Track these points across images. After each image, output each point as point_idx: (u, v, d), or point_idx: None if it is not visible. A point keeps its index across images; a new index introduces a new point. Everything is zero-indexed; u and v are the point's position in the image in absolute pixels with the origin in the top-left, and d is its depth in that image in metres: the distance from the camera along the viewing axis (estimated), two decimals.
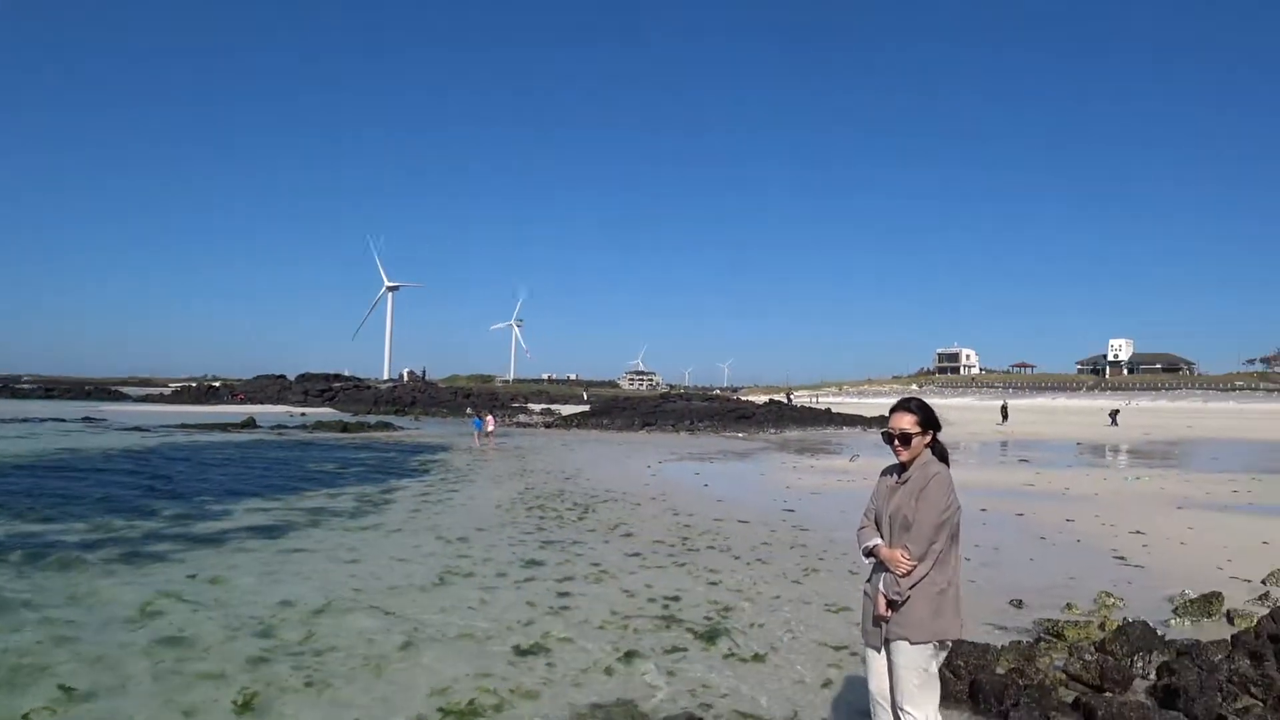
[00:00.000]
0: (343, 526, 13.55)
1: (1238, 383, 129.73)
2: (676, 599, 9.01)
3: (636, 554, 11.46)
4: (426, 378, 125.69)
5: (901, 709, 4.29)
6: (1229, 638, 7.07)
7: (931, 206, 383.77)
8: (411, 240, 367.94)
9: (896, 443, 4.45)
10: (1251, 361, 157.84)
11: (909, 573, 4.20)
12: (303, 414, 58.86)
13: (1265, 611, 8.36)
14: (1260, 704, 5.78)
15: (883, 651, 4.37)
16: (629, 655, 7.03)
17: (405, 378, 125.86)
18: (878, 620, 4.33)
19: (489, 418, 38.24)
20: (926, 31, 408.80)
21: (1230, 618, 8.26)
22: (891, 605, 4.24)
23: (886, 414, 4.65)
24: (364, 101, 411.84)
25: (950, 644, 4.44)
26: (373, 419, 51.96)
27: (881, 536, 4.40)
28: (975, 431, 45.74)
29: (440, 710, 5.84)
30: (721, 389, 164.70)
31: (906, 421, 4.43)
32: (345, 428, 42.45)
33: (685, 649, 7.26)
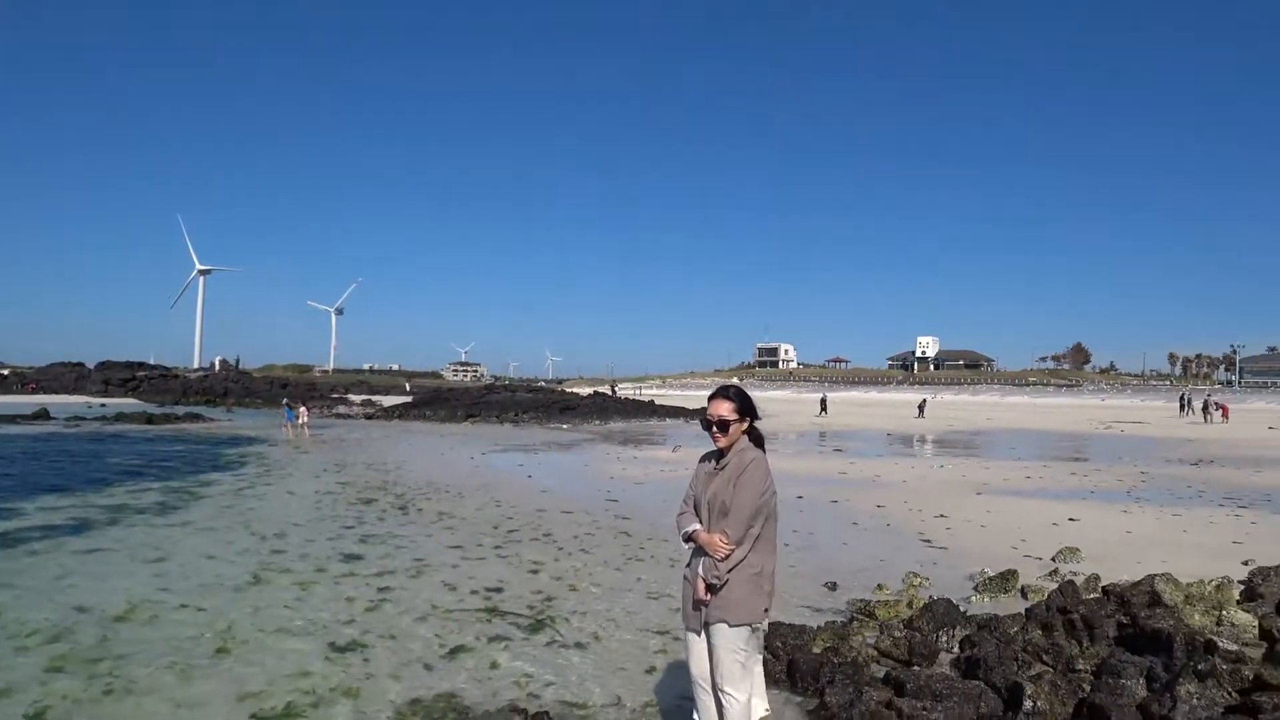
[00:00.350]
0: (147, 524, 12.70)
1: (1031, 378, 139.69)
2: (499, 590, 8.92)
3: (458, 546, 11.26)
4: (240, 367, 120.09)
5: (723, 690, 4.35)
6: (1023, 611, 7.50)
7: (753, 205, 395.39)
8: (227, 223, 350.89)
9: (715, 429, 4.49)
10: (1044, 359, 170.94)
11: (727, 556, 4.25)
12: (103, 405, 55.24)
13: (1054, 586, 8.94)
14: (1051, 670, 6.13)
15: (703, 635, 4.42)
16: (451, 648, 6.92)
17: (217, 367, 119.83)
18: (697, 604, 4.37)
19: (302, 408, 37.30)
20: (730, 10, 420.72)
21: (1024, 593, 8.79)
22: (710, 589, 4.29)
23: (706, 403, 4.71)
24: (171, 71, 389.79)
25: (767, 625, 4.51)
26: (181, 410, 49.19)
27: (700, 522, 4.43)
28: (794, 423, 47.31)
29: (253, 716, 5.57)
30: (546, 381, 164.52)
31: (725, 409, 4.47)
32: (151, 419, 40.05)
33: (508, 640, 7.20)
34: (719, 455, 4.54)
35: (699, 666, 4.47)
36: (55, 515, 13.29)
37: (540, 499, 15.83)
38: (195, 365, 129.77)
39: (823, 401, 61.22)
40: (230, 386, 76.26)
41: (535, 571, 9.78)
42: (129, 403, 61.06)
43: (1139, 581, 7.90)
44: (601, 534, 12.28)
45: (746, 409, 4.52)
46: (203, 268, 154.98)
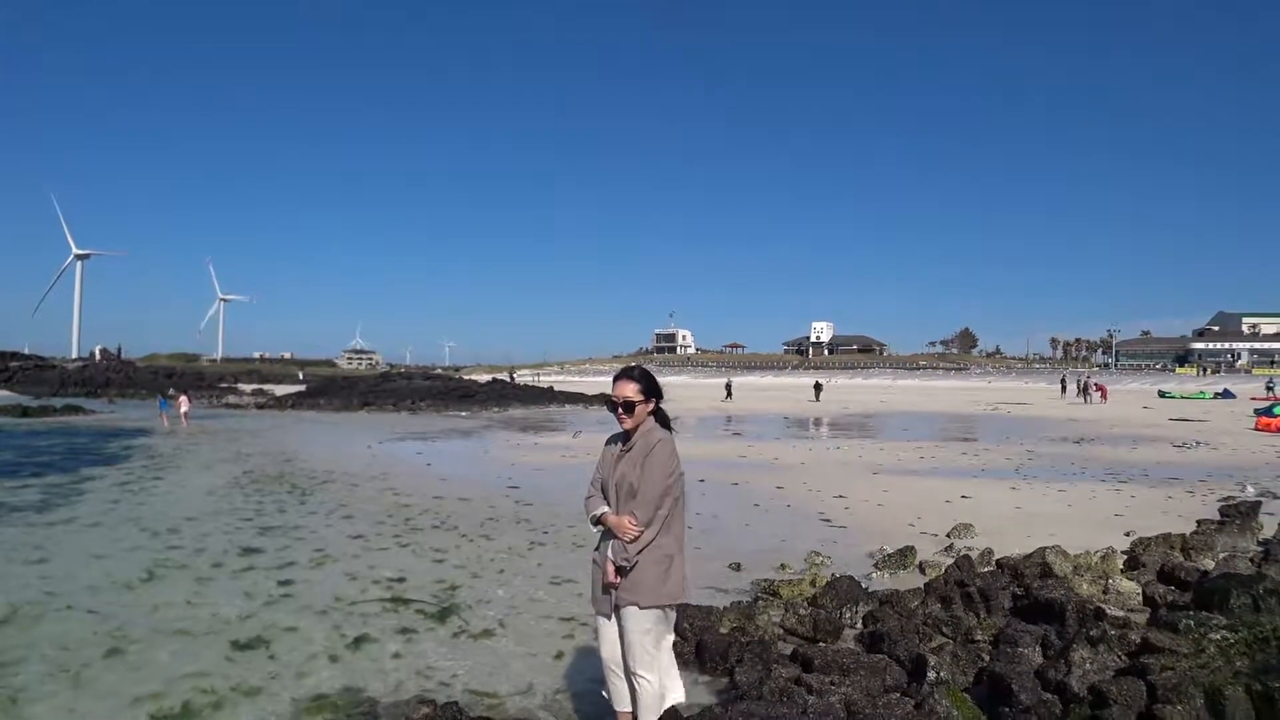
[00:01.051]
0: (25, 522, 12.04)
1: (921, 362, 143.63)
2: (402, 579, 8.79)
3: (359, 536, 11.07)
4: (122, 356, 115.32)
5: (635, 674, 4.33)
6: (922, 586, 7.68)
7: (645, 191, 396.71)
8: (105, 203, 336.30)
9: (620, 411, 4.43)
10: (933, 344, 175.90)
11: (636, 538, 4.22)
12: None
13: (950, 561, 9.18)
14: (951, 641, 6.28)
15: (613, 618, 4.39)
16: (355, 640, 6.79)
17: (98, 356, 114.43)
18: (607, 587, 4.34)
19: (182, 397, 36.09)
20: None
21: (922, 568, 9.01)
22: (620, 571, 4.25)
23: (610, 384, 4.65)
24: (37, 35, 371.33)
25: (677, 607, 4.52)
26: (59, 402, 46.87)
27: (608, 504, 4.39)
28: (693, 407, 47.69)
29: (151, 717, 5.35)
30: (444, 368, 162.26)
31: (630, 390, 4.41)
32: (25, 412, 38.08)
33: (414, 630, 7.10)
34: (625, 437, 4.49)
35: (610, 650, 4.43)
36: None
37: (440, 486, 15.62)
38: (74, 355, 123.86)
39: (728, 386, 61.89)
40: (112, 377, 73.10)
41: (438, 560, 9.66)
42: (2, 394, 58.00)
43: (1030, 554, 8.18)
44: (503, 520, 12.18)
45: (652, 390, 4.47)
46: (80, 252, 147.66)
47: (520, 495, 14.54)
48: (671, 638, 4.50)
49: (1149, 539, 9.77)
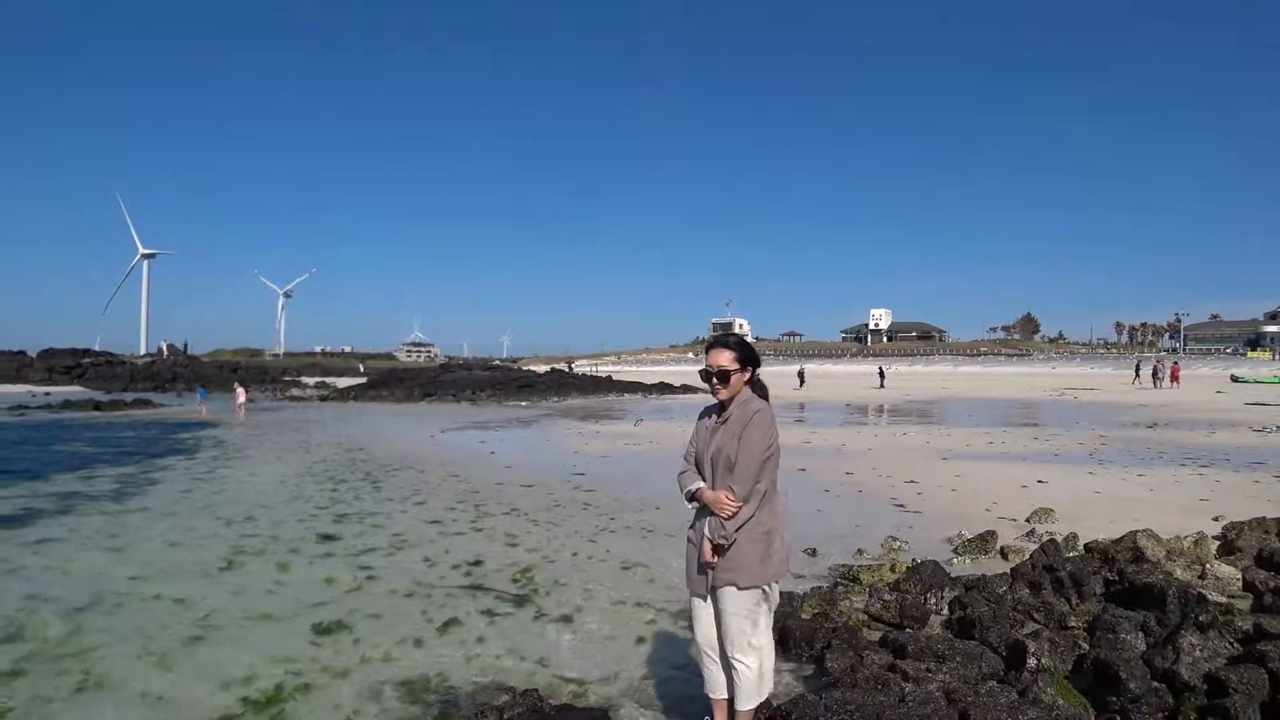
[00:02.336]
0: (101, 511, 12.20)
1: (982, 349, 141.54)
2: (479, 564, 8.82)
3: (434, 521, 11.14)
4: (188, 351, 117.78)
5: (734, 658, 4.16)
6: (1008, 571, 7.45)
7: (709, 183, 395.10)
8: (171, 205, 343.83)
9: (715, 381, 4.23)
10: (994, 329, 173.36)
11: (734, 515, 4.02)
12: (47, 393, 53.72)
13: (1033, 546, 8.94)
14: (1044, 627, 6.05)
15: (709, 600, 4.22)
16: (441, 625, 6.78)
17: (164, 352, 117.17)
18: (703, 567, 4.15)
19: (239, 389, 37.55)
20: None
21: (1004, 553, 8.76)
22: (718, 550, 4.06)
23: (704, 353, 4.40)
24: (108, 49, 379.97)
25: (779, 588, 4.34)
26: (129, 396, 47.95)
27: (704, 479, 4.19)
28: None
29: (244, 700, 5.36)
30: (501, 360, 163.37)
31: (724, 358, 4.21)
32: (98, 406, 39.06)
33: (495, 614, 7.07)
34: (720, 408, 4.28)
35: (706, 634, 4.27)
36: None
37: (506, 474, 15.62)
38: (142, 351, 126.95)
39: (800, 374, 61.16)
40: (179, 371, 74.66)
41: (511, 545, 9.66)
42: (74, 390, 59.58)
43: (1121, 538, 7.90)
44: (570, 506, 12.17)
45: (748, 358, 4.26)
46: (146, 251, 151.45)
47: (584, 482, 14.48)
48: (771, 620, 4.31)
49: (1241, 523, 9.42)
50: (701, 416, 4.45)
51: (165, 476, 15.94)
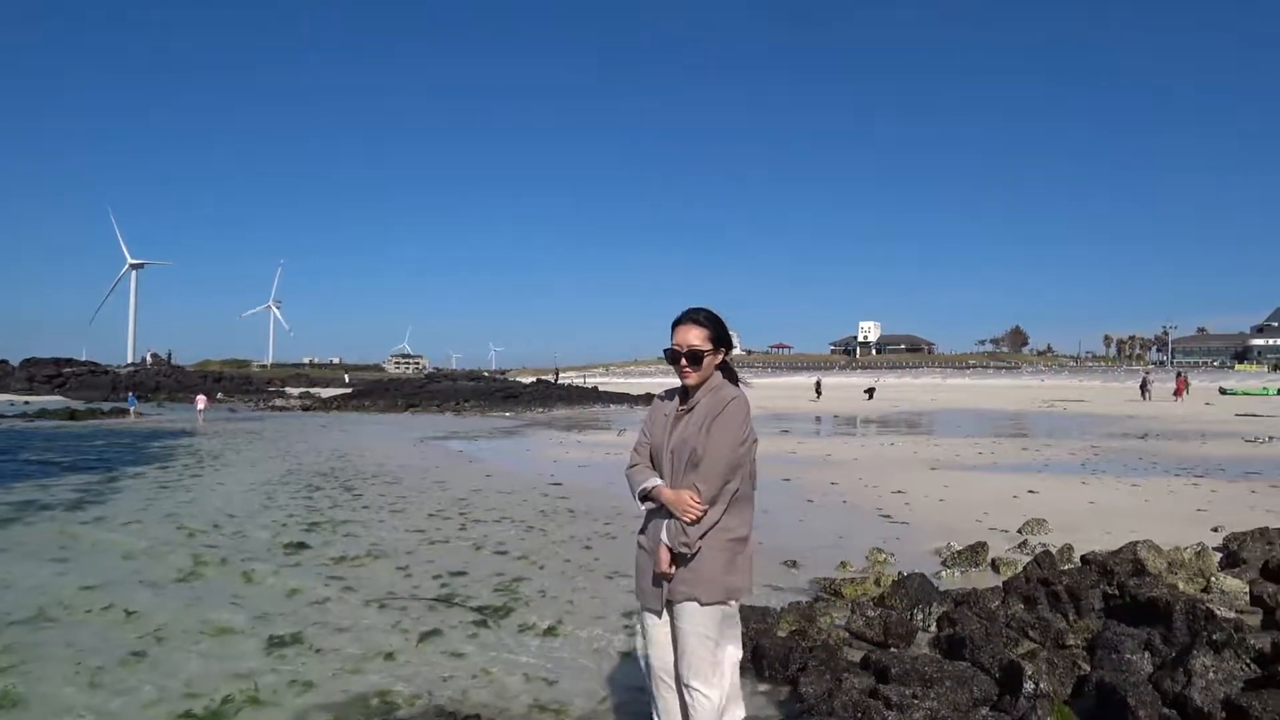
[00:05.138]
0: (54, 519, 11.61)
1: (971, 361, 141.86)
2: (458, 575, 8.35)
3: (410, 531, 10.72)
4: (173, 361, 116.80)
5: (690, 685, 3.54)
6: (1000, 585, 6.99)
7: (694, 196, 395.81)
8: (159, 216, 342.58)
9: (684, 362, 3.59)
10: (982, 343, 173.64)
11: (699, 519, 3.41)
12: (26, 402, 52.87)
13: (1025, 558, 8.50)
14: (1040, 646, 5.59)
15: (665, 616, 3.61)
16: (410, 639, 6.34)
17: (149, 361, 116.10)
18: (659, 578, 3.54)
19: (200, 397, 39.78)
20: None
21: (995, 566, 8.33)
22: (677, 559, 3.47)
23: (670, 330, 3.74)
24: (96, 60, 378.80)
25: (740, 604, 3.77)
26: (107, 405, 47.21)
27: (661, 475, 3.59)
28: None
29: (185, 714, 4.95)
30: (489, 372, 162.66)
31: (695, 336, 3.59)
32: (73, 414, 38.51)
33: (464, 627, 6.65)
34: (684, 394, 3.68)
35: (661, 656, 3.65)
36: None
37: (485, 483, 15.17)
38: (128, 361, 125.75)
39: (817, 385, 60.26)
40: (162, 381, 74.00)
41: (484, 555, 9.26)
42: (54, 400, 58.73)
43: (1119, 550, 7.45)
44: (549, 515, 11.75)
45: (721, 337, 3.65)
46: (134, 261, 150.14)
47: (564, 491, 14.01)
48: (738, 647, 3.68)
49: (1244, 534, 8.97)
50: (661, 399, 3.82)
51: (131, 485, 15.41)
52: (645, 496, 3.57)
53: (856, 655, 5.54)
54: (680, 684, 3.60)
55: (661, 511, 3.52)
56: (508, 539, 10.11)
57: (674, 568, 3.48)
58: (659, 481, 3.55)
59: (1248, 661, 4.59)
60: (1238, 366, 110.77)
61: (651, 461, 3.67)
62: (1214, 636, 4.58)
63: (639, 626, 3.78)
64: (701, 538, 3.43)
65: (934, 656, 5.09)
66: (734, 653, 3.64)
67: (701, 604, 3.47)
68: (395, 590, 7.71)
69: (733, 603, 3.60)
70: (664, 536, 3.46)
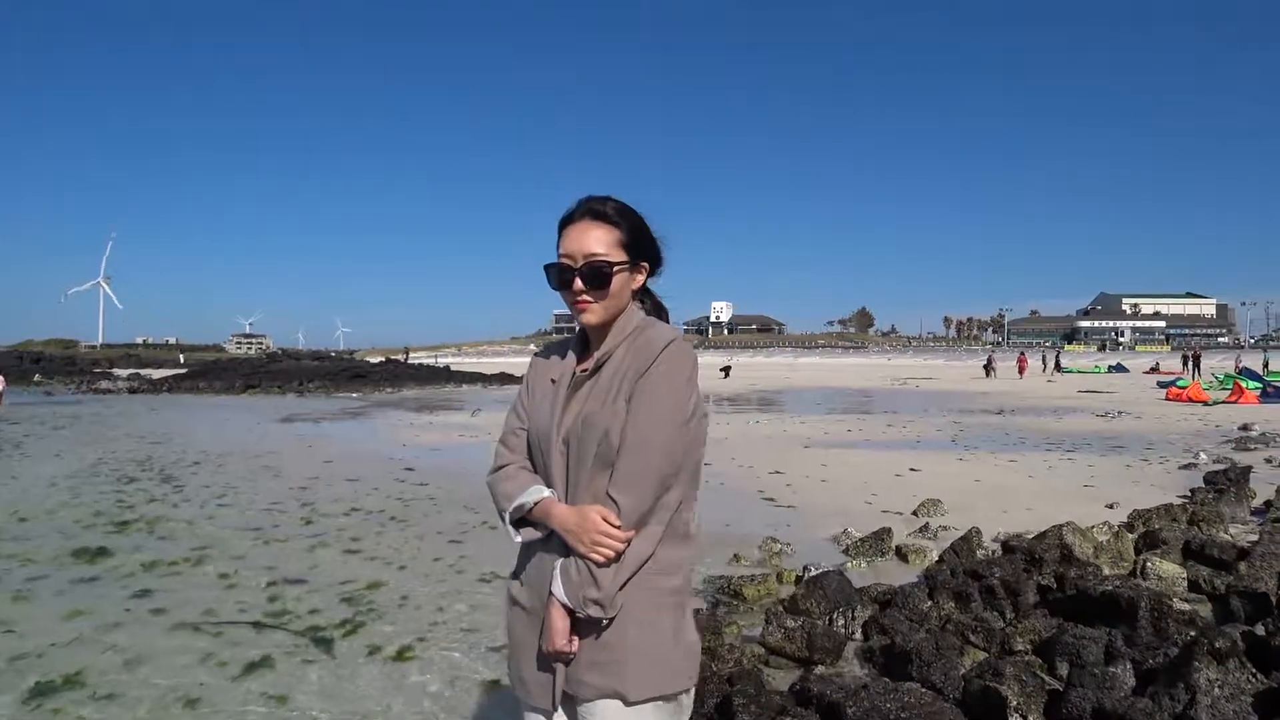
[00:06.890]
0: None
1: (820, 341, 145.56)
2: (296, 583, 7.05)
3: (242, 529, 9.24)
4: None
5: None
6: (920, 578, 6.22)
7: (549, 177, 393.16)
8: None
9: (580, 284, 2.06)
10: (831, 323, 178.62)
11: (617, 555, 1.92)
12: None
13: (930, 543, 7.84)
14: (985, 653, 4.75)
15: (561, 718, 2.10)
16: (227, 672, 5.08)
17: None
18: (550, 659, 2.02)
19: None
20: None
21: (901, 554, 7.66)
22: (580, 627, 1.98)
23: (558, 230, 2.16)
24: None
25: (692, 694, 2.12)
26: None
27: (549, 482, 2.07)
28: None
29: None
30: (337, 352, 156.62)
31: (599, 239, 2.07)
32: None
33: (300, 651, 5.43)
34: (583, 343, 2.21)
35: None
36: None
37: (326, 469, 13.65)
38: None
39: (726, 369, 58.97)
40: None
41: (332, 553, 7.99)
42: None
43: (1043, 534, 6.77)
44: (400, 505, 10.47)
45: (642, 245, 2.15)
46: None
47: (418, 477, 12.72)
48: None
49: (1147, 511, 8.56)
50: (543, 357, 2.27)
51: None
52: (523, 520, 2.06)
53: (779, 677, 4.59)
54: None
55: (553, 544, 2.02)
56: (362, 534, 8.85)
57: (575, 641, 1.99)
58: (546, 493, 2.02)
59: (1253, 671, 3.84)
60: (1068, 347, 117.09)
61: (532, 460, 2.14)
62: (1217, 644, 3.80)
63: None
64: (623, 588, 1.96)
65: (891, 687, 3.96)
66: None
67: (628, 702, 1.97)
68: (215, 608, 6.33)
69: (684, 695, 2.07)
70: (557, 589, 1.96)
